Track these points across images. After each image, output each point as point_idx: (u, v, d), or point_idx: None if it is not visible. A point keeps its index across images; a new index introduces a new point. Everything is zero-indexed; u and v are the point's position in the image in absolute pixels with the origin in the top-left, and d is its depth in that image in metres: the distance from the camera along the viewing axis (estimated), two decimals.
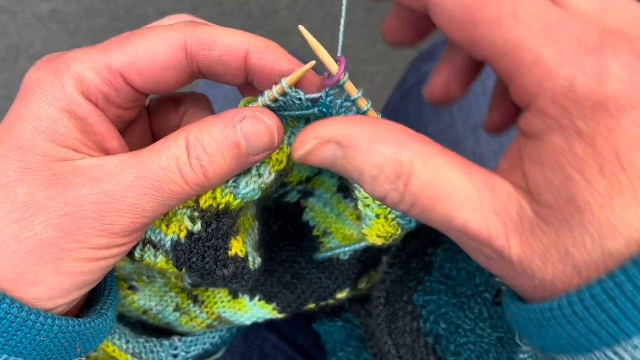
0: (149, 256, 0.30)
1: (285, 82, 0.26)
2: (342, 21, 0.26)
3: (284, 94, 0.27)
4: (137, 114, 0.30)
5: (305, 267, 0.40)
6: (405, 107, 0.66)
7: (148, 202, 0.25)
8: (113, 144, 0.27)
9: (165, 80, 0.27)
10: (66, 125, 0.26)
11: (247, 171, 0.29)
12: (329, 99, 0.26)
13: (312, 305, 0.40)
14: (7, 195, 0.24)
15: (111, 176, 0.25)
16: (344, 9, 0.26)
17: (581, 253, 0.20)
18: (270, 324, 0.49)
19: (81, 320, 0.27)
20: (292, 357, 0.49)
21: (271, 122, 0.26)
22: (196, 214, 0.29)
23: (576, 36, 0.20)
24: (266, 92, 0.27)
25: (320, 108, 0.27)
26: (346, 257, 0.39)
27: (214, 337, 0.41)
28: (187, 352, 0.40)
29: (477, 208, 0.21)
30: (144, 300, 0.38)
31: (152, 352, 0.38)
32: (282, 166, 0.30)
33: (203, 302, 0.38)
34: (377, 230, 0.30)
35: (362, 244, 0.36)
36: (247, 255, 0.32)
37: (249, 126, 0.26)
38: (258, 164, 0.29)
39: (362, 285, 0.41)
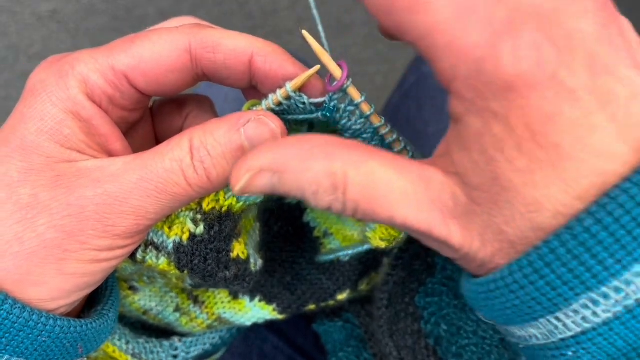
0: (151, 258, 0.30)
1: (290, 86, 0.26)
2: (316, 14, 0.26)
3: (288, 98, 0.27)
4: (141, 115, 0.30)
5: (306, 268, 0.40)
6: (405, 107, 0.66)
7: (151, 204, 0.25)
8: (116, 146, 0.27)
9: (170, 82, 0.27)
10: (70, 126, 0.26)
11: None
12: (332, 104, 0.26)
13: (312, 306, 0.40)
14: (11, 195, 0.24)
15: (114, 178, 0.25)
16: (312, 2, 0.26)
17: (513, 229, 0.20)
18: (270, 324, 0.49)
19: (82, 321, 0.27)
20: (292, 357, 0.49)
21: (275, 125, 0.26)
22: (199, 216, 0.29)
23: (485, 17, 0.20)
24: (270, 96, 0.27)
25: (324, 113, 0.27)
26: (347, 259, 0.39)
27: (213, 338, 0.41)
28: (187, 353, 0.40)
29: (414, 202, 0.22)
30: (144, 300, 0.38)
31: (152, 352, 0.38)
32: None
33: (203, 302, 0.38)
34: (381, 234, 0.31)
35: (365, 247, 0.36)
36: (248, 257, 0.32)
37: (253, 129, 0.26)
38: None
39: (363, 286, 0.41)
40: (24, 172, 0.25)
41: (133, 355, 0.38)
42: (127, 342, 0.38)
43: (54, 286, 0.25)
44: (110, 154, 0.27)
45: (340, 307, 0.45)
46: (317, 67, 0.26)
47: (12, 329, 0.24)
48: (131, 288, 0.37)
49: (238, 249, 0.31)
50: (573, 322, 0.20)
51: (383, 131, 0.26)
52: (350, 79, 0.26)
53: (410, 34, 0.21)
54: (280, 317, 0.39)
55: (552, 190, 0.19)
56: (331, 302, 0.40)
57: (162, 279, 0.36)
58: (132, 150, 0.29)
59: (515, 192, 0.20)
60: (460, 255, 0.22)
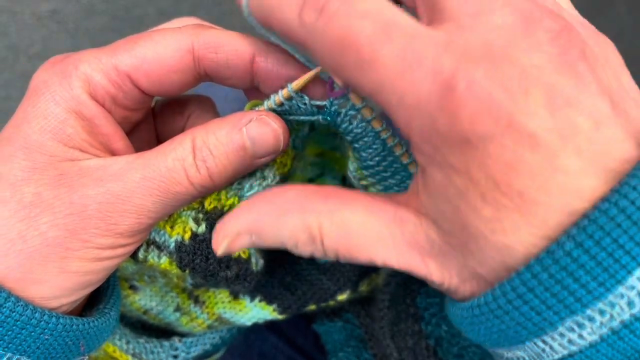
0: (153, 257, 0.30)
1: (292, 87, 0.27)
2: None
3: (290, 98, 0.27)
4: (143, 115, 0.31)
5: (306, 268, 0.40)
6: None
7: (153, 203, 0.25)
8: (119, 145, 0.28)
9: (172, 82, 0.28)
10: (73, 125, 0.26)
11: (252, 174, 0.29)
12: (333, 108, 0.26)
13: (312, 307, 0.40)
14: (14, 194, 0.25)
15: (117, 176, 0.25)
16: None
17: (487, 270, 0.20)
18: (270, 324, 0.49)
19: (84, 319, 0.27)
20: (292, 357, 0.49)
21: (277, 125, 0.27)
22: (200, 215, 0.29)
23: (432, 68, 0.19)
24: (272, 96, 0.27)
25: (325, 117, 0.27)
26: None
27: (214, 338, 0.41)
28: (187, 353, 0.40)
29: (390, 245, 0.22)
30: (145, 300, 0.38)
31: (152, 352, 0.39)
32: (285, 169, 0.30)
33: (203, 302, 0.38)
34: None
35: None
36: (249, 257, 0.32)
37: (255, 129, 0.26)
38: (262, 167, 0.29)
39: (363, 287, 0.41)
40: (28, 171, 0.25)
41: (133, 355, 0.38)
42: (128, 342, 0.38)
43: (56, 284, 0.25)
44: (112, 153, 0.28)
45: (341, 308, 0.45)
46: (319, 68, 0.26)
47: (14, 327, 0.24)
48: (132, 287, 0.37)
49: None
50: (559, 345, 0.20)
51: (384, 135, 0.26)
52: None
53: (362, 91, 0.21)
54: (280, 317, 0.39)
55: (521, 235, 0.19)
56: (331, 303, 0.40)
57: (163, 278, 0.37)
58: (134, 150, 0.29)
59: (485, 240, 0.20)
60: (443, 289, 0.23)
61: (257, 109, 0.28)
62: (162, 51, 0.27)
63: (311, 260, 0.40)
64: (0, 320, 0.23)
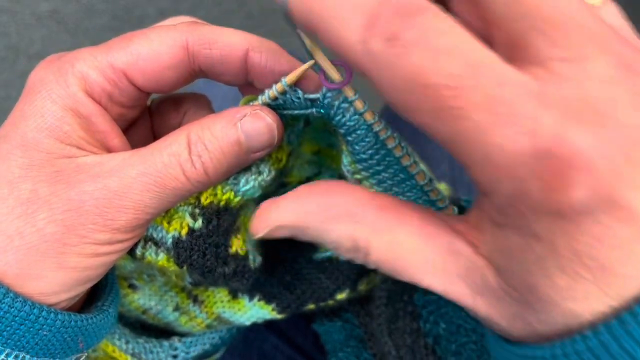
0: (150, 254, 0.30)
1: (286, 80, 0.27)
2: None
3: (284, 92, 0.27)
4: (139, 113, 0.31)
5: (305, 266, 0.40)
6: None
7: (150, 198, 0.26)
8: (115, 142, 0.28)
9: (167, 79, 0.28)
10: (70, 123, 0.26)
11: (247, 168, 0.30)
12: (326, 101, 0.26)
13: (311, 306, 0.40)
14: (12, 191, 0.25)
15: (113, 173, 0.25)
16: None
17: (544, 327, 0.19)
18: (269, 324, 0.49)
19: (83, 316, 0.27)
20: (292, 357, 0.49)
21: (271, 119, 0.27)
22: (197, 210, 0.29)
23: (528, 128, 0.17)
24: (266, 91, 0.28)
25: (318, 109, 0.27)
26: (345, 258, 0.39)
27: (213, 338, 0.41)
28: (187, 353, 0.40)
29: (440, 274, 0.21)
30: (144, 299, 0.38)
31: (151, 352, 0.39)
32: (281, 164, 0.31)
33: (202, 301, 0.38)
34: None
35: None
36: (247, 254, 0.33)
37: (249, 123, 0.26)
38: (258, 162, 0.30)
39: (362, 286, 0.41)
40: (25, 168, 0.25)
41: (133, 354, 0.38)
42: (127, 342, 0.38)
43: (54, 280, 0.25)
44: (109, 150, 0.28)
45: (340, 307, 0.45)
46: (312, 61, 0.26)
47: (12, 323, 0.24)
48: (131, 286, 0.37)
49: (237, 245, 0.32)
50: None
51: (377, 127, 0.26)
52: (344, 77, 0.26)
53: (437, 138, 0.19)
54: (279, 316, 0.39)
55: (592, 303, 0.18)
56: (330, 302, 0.40)
57: (162, 277, 0.37)
58: (130, 147, 0.29)
59: (553, 305, 0.19)
60: (486, 324, 0.22)
61: (251, 104, 0.28)
62: (157, 48, 0.27)
63: (310, 259, 0.40)
64: None
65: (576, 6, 0.18)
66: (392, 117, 0.66)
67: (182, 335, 0.40)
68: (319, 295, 0.40)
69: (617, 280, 0.18)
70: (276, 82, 0.27)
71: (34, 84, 0.26)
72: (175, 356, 0.39)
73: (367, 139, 0.27)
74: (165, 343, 0.39)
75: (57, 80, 0.26)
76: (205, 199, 0.29)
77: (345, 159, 0.29)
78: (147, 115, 0.33)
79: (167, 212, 0.30)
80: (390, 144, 0.27)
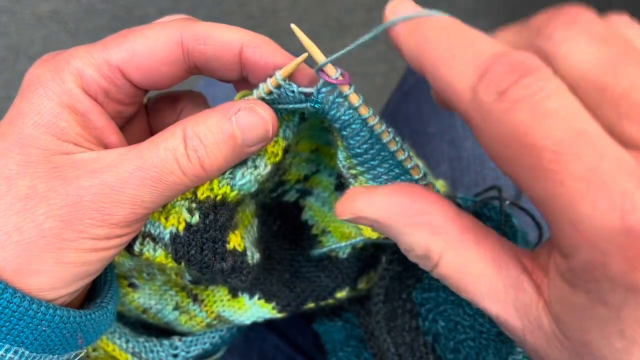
0: (148, 250, 0.30)
1: (280, 74, 0.27)
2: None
3: (278, 87, 0.27)
4: (136, 110, 0.31)
5: (304, 265, 0.40)
6: (405, 107, 0.66)
7: (147, 193, 0.26)
8: (112, 139, 0.28)
9: (163, 75, 0.28)
10: (67, 119, 0.26)
11: (243, 163, 0.30)
12: (320, 96, 0.26)
13: (311, 305, 0.40)
14: (10, 187, 0.25)
15: (110, 168, 0.26)
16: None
17: None
18: (270, 324, 0.49)
19: (82, 312, 0.27)
20: (292, 357, 0.49)
21: (265, 113, 0.27)
22: (194, 205, 0.29)
23: (620, 205, 0.17)
24: (261, 85, 0.28)
25: (312, 104, 0.27)
26: (344, 256, 0.39)
27: (213, 337, 0.41)
28: (187, 352, 0.40)
29: (499, 301, 0.22)
30: (144, 298, 0.38)
31: (151, 351, 0.39)
32: (277, 159, 0.31)
33: (202, 300, 0.38)
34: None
35: (358, 239, 0.36)
36: (245, 250, 0.33)
37: (244, 118, 0.27)
38: (254, 156, 0.30)
39: (362, 285, 0.41)
40: (23, 165, 0.25)
41: (133, 354, 0.38)
42: (127, 341, 0.38)
43: (53, 275, 0.25)
44: (106, 146, 0.28)
45: (340, 307, 0.45)
46: (306, 54, 0.27)
47: (12, 318, 0.24)
48: (131, 285, 0.37)
49: (234, 241, 0.32)
50: None
51: (371, 122, 0.27)
52: (339, 71, 0.26)
53: (528, 193, 0.19)
54: (279, 315, 0.39)
55: None
56: (330, 301, 0.40)
57: (162, 275, 0.37)
58: (127, 144, 0.29)
59: None
60: (531, 355, 0.23)
61: (246, 98, 0.29)
62: (152, 44, 0.27)
63: (309, 258, 0.40)
64: None
65: None
66: (390, 116, 0.66)
67: (182, 335, 0.40)
68: (319, 293, 0.40)
69: None
70: (270, 76, 0.28)
71: (30, 82, 0.27)
72: (175, 355, 0.39)
73: (362, 134, 0.27)
74: (166, 342, 0.39)
75: (53, 77, 0.26)
76: (201, 194, 0.29)
77: (341, 154, 0.29)
78: (143, 113, 0.33)
79: (164, 208, 0.30)
80: (385, 138, 0.27)
